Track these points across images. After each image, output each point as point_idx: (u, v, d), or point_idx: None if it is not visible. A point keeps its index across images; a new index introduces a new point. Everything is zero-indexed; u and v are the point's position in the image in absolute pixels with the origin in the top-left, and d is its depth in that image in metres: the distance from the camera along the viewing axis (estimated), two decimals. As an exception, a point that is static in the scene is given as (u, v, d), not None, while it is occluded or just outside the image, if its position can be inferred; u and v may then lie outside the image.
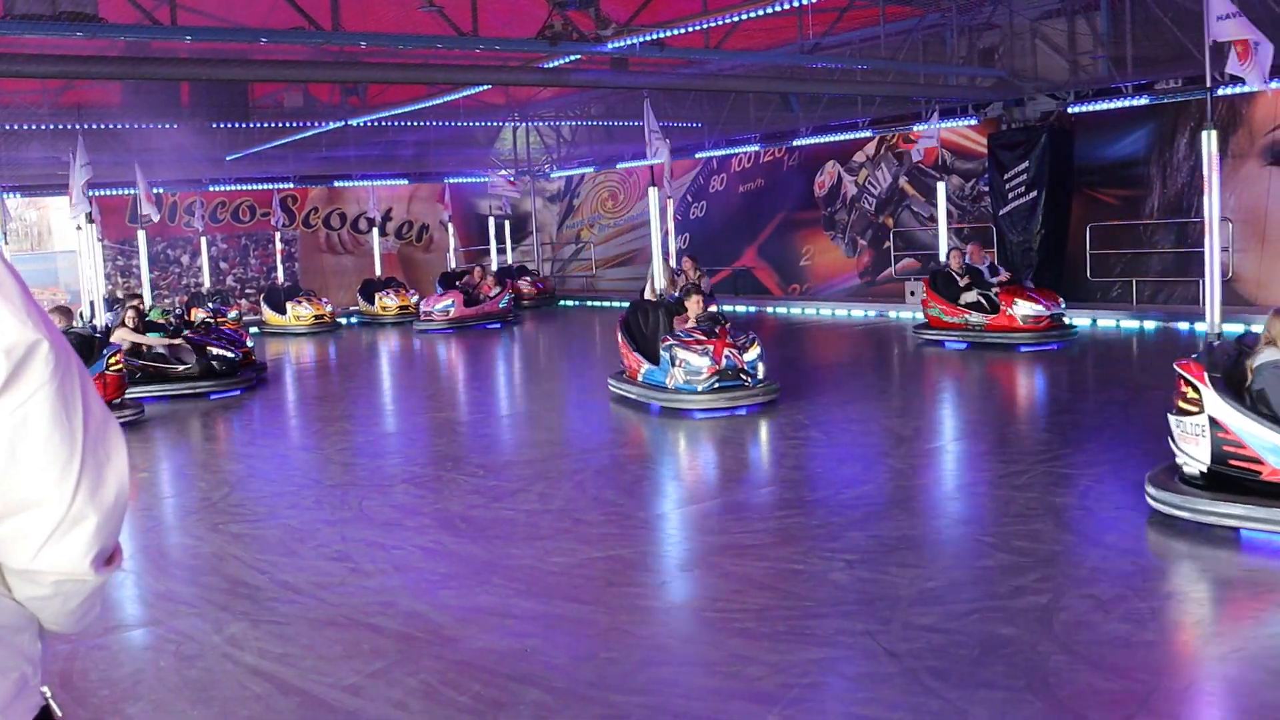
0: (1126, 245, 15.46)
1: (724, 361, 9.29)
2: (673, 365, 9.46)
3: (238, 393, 12.24)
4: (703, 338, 9.53)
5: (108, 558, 1.28)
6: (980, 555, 5.15)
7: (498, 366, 15.18)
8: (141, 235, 15.87)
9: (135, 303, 13.18)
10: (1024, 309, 12.65)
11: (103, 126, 17.82)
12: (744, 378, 9.32)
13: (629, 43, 12.32)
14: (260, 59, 12.92)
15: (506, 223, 24.80)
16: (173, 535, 6.58)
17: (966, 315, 13.15)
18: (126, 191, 21.75)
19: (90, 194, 11.36)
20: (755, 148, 21.22)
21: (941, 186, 15.43)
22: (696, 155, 22.23)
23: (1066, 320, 13.01)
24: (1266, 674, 3.83)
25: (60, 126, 17.41)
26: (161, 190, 21.63)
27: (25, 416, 1.17)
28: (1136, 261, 15.38)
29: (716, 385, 9.27)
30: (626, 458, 8.43)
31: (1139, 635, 4.12)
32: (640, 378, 10.05)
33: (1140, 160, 15.50)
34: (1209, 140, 6.28)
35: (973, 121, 17.16)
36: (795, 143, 20.37)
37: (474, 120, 23.06)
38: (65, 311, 10.89)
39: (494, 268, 23.02)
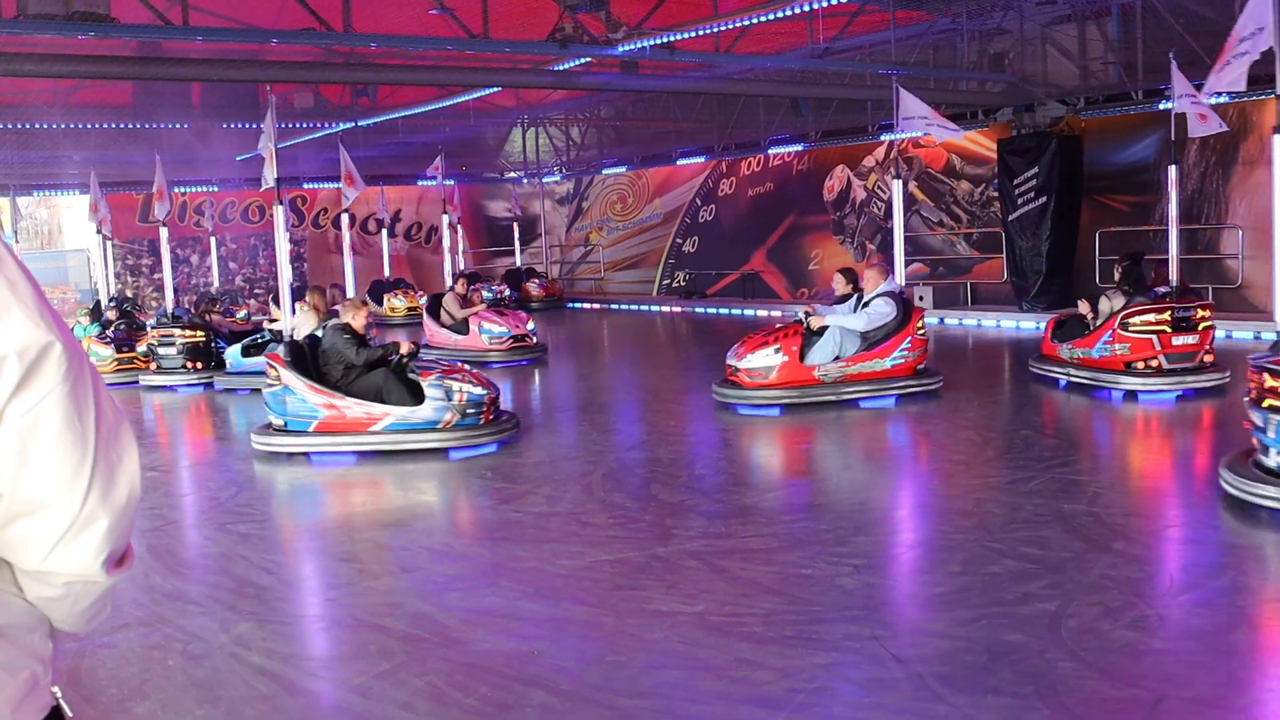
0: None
1: None
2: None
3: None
4: None
5: (119, 559, 1.28)
6: (988, 561, 5.14)
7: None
8: (164, 233, 15.60)
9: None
10: None
11: (113, 126, 17.88)
12: None
13: (639, 46, 12.34)
14: (271, 60, 12.97)
15: (515, 225, 24.86)
16: (181, 534, 6.59)
17: None
18: (137, 191, 21.86)
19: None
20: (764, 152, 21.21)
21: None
22: (706, 159, 22.23)
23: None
24: (1278, 683, 3.81)
25: (72, 126, 17.48)
26: (184, 191, 21.68)
27: (37, 418, 1.16)
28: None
29: None
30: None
31: (1147, 643, 4.10)
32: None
33: (1150, 166, 15.47)
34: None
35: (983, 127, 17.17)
36: (804, 147, 20.36)
37: (484, 122, 23.08)
38: (322, 292, 11.18)
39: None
